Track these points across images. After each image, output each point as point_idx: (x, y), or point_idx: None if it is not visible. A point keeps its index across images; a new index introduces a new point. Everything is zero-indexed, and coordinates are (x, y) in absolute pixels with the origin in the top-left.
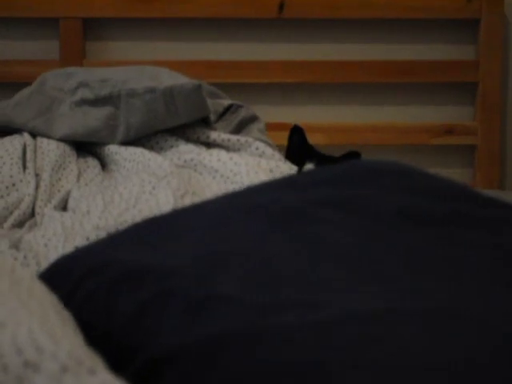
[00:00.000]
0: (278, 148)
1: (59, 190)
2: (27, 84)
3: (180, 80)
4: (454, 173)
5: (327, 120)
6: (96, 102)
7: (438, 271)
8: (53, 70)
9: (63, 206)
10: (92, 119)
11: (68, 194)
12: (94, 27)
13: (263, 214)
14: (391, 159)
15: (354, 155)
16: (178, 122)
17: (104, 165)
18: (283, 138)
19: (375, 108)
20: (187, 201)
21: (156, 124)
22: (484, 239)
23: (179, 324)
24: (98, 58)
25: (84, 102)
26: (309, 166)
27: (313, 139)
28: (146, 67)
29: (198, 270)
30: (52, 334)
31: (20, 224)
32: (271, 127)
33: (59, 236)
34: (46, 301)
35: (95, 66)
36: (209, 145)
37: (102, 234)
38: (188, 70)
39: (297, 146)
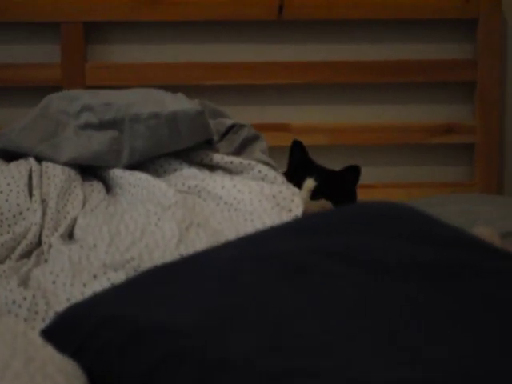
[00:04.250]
0: (279, 150)
1: (65, 217)
2: (29, 88)
3: (183, 104)
4: (453, 171)
5: (327, 121)
6: (100, 126)
7: (445, 327)
8: (56, 93)
9: (69, 233)
10: (96, 143)
11: (74, 221)
12: (95, 30)
13: (276, 267)
14: (397, 200)
15: (353, 169)
16: (182, 147)
17: (109, 188)
18: (284, 138)
19: (374, 108)
20: (192, 233)
21: (160, 148)
22: (492, 292)
23: None
24: (100, 61)
25: (88, 126)
26: (310, 182)
27: (314, 140)
28: (149, 90)
29: (208, 330)
30: None
31: (28, 253)
32: (272, 128)
33: (67, 272)
34: (60, 378)
35: (97, 68)
36: (212, 167)
37: (110, 273)
38: (189, 72)
39: (298, 161)
